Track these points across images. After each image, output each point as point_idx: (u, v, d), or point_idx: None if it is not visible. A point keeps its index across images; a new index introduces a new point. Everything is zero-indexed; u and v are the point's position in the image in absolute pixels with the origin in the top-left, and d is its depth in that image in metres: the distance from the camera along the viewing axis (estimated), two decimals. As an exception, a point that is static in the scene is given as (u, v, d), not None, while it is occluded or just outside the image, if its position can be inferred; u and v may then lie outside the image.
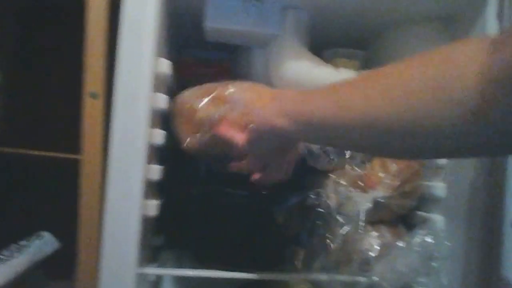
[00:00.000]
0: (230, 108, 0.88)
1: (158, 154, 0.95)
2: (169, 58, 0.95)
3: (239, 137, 0.81)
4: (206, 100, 0.90)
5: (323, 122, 0.64)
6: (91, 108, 0.97)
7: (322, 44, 1.09)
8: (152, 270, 0.96)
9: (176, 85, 1.08)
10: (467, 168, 0.94)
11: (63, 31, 1.35)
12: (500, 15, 0.91)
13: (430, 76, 0.53)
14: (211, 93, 0.91)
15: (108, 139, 0.85)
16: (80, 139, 0.99)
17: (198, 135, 0.90)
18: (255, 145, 0.78)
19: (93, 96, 0.97)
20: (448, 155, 0.79)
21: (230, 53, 1.20)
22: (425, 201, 1.07)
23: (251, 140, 0.78)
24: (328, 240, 0.95)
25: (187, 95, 0.94)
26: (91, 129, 0.98)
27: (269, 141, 0.76)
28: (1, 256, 1.03)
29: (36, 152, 1.10)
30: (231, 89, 0.90)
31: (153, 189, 0.94)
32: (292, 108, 0.69)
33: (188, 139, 0.92)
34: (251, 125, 0.76)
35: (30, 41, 1.43)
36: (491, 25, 0.92)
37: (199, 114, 0.90)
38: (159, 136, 0.92)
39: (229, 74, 1.19)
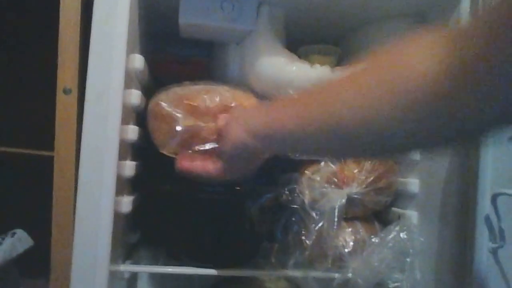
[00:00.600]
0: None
1: (132, 150, 0.95)
2: (144, 55, 0.94)
3: (210, 167, 0.83)
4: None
5: (286, 134, 0.66)
6: (64, 104, 0.96)
7: (297, 41, 1.09)
8: (126, 267, 0.95)
9: (151, 82, 1.08)
10: (441, 164, 0.94)
11: (36, 25, 1.34)
12: (474, 10, 0.91)
13: (383, 78, 0.55)
14: (189, 100, 0.91)
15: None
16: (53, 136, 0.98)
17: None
18: (227, 163, 0.81)
19: (66, 92, 0.95)
20: (406, 150, 0.81)
21: (206, 50, 1.20)
22: (400, 197, 1.07)
23: (224, 161, 0.81)
24: (302, 237, 0.95)
25: (164, 98, 0.93)
26: (64, 125, 0.97)
27: (240, 156, 0.78)
28: (-26, 254, 1.02)
29: (9, 149, 1.09)
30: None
31: (126, 185, 0.93)
32: (255, 125, 0.72)
33: (168, 144, 0.92)
34: (220, 148, 0.81)
35: (1, 35, 1.41)
36: (465, 20, 0.92)
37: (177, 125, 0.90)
38: (132, 132, 0.91)
39: (204, 72, 1.18)
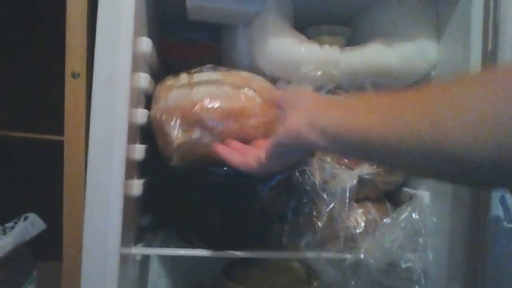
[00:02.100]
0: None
1: (141, 133, 0.95)
2: (152, 38, 0.93)
3: (251, 162, 0.77)
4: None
5: (365, 140, 0.58)
6: (73, 88, 0.96)
7: (306, 22, 1.08)
8: (137, 250, 0.95)
9: (160, 66, 1.07)
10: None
11: (45, 9, 1.34)
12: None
13: None
14: (188, 111, 0.87)
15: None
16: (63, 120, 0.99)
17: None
18: (272, 157, 0.74)
19: (74, 76, 0.95)
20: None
21: (215, 33, 1.19)
22: (411, 177, 1.06)
23: (269, 154, 0.74)
24: (313, 218, 0.95)
25: (163, 108, 0.90)
26: (73, 109, 0.97)
27: (289, 150, 0.72)
28: (-13, 238, 1.03)
29: (19, 134, 1.10)
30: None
31: (136, 168, 0.93)
32: (325, 121, 0.63)
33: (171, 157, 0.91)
34: (276, 137, 0.72)
35: (9, 19, 1.41)
36: (476, 1, 0.91)
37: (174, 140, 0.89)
38: (141, 115, 0.91)
39: (214, 55, 1.18)
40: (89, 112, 0.85)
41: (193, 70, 0.94)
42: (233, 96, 0.86)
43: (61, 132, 0.99)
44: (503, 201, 0.80)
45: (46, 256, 1.13)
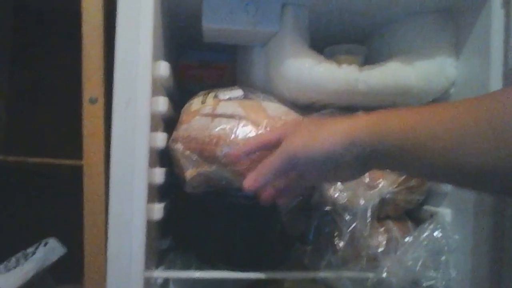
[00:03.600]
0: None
1: (160, 157, 0.95)
2: (168, 60, 0.94)
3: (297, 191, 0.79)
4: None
5: (417, 152, 0.57)
6: (91, 113, 0.97)
7: (322, 41, 1.07)
8: (160, 273, 0.95)
9: (176, 89, 1.08)
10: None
11: (62, 35, 1.34)
12: (506, 4, 0.89)
13: None
14: (203, 145, 0.88)
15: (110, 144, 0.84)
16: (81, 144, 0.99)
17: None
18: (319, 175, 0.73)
19: (92, 101, 0.96)
20: None
21: (230, 54, 1.19)
22: (432, 195, 1.06)
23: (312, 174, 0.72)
24: (335, 239, 0.94)
25: (180, 137, 0.91)
26: (92, 134, 0.98)
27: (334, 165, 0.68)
28: (9, 264, 1.03)
29: (39, 160, 1.10)
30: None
31: (157, 192, 0.93)
32: (387, 127, 0.61)
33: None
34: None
35: (27, 46, 1.42)
36: (496, 14, 0.90)
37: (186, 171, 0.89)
38: (160, 139, 0.91)
39: (229, 76, 1.18)
40: (108, 136, 0.86)
41: (220, 92, 0.95)
42: (252, 136, 0.86)
43: (79, 156, 0.99)
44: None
45: (66, 280, 1.13)
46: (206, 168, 0.88)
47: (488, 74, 0.90)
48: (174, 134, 0.92)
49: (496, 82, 0.89)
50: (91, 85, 0.96)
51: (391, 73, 0.98)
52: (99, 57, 0.96)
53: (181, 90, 1.13)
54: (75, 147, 1.01)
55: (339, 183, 0.96)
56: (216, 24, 0.96)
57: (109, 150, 0.84)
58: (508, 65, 0.88)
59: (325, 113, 0.97)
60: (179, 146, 0.89)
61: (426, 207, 1.07)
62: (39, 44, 1.43)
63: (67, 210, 1.13)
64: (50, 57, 1.42)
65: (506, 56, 0.88)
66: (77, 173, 1.00)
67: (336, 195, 0.94)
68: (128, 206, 0.84)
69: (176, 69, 1.07)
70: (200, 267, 0.97)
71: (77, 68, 0.97)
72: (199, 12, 0.95)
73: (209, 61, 1.18)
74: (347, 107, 1.03)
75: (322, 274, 0.95)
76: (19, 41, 1.41)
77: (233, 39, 1.04)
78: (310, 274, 0.97)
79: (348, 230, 0.93)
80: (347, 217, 0.93)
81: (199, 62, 1.18)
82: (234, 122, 0.88)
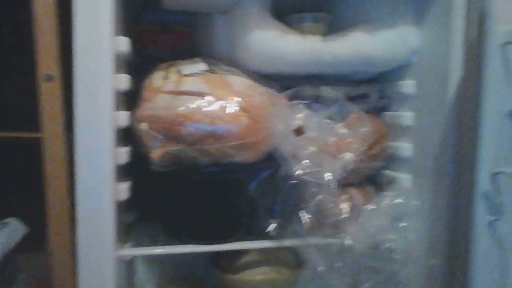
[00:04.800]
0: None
1: (124, 135, 0.92)
2: (125, 26, 0.90)
3: None
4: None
5: None
6: (48, 92, 0.93)
7: (283, 8, 1.04)
8: (132, 251, 0.96)
9: (134, 54, 1.03)
10: (435, 128, 0.95)
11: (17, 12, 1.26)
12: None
13: None
14: (169, 124, 0.86)
15: (69, 115, 0.82)
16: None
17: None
18: None
19: (48, 78, 0.91)
20: None
21: (190, 16, 1.14)
22: (392, 160, 1.09)
23: None
24: (301, 210, 0.96)
25: (145, 116, 0.88)
26: (50, 111, 0.95)
27: None
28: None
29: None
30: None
31: (122, 171, 0.92)
32: None
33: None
34: None
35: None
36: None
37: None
38: (123, 118, 0.89)
39: (190, 41, 1.14)
40: (66, 112, 0.83)
41: (182, 66, 0.92)
42: (219, 115, 0.85)
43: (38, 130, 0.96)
44: (485, 195, 0.83)
45: (30, 248, 1.12)
46: (173, 147, 0.87)
47: (449, 42, 0.91)
48: (138, 112, 0.89)
49: (456, 53, 0.90)
50: (46, 62, 0.91)
51: (355, 43, 0.98)
52: (52, 34, 0.90)
53: (139, 55, 1.08)
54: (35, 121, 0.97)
55: (304, 156, 0.97)
56: (177, -7, 0.91)
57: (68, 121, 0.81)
58: (469, 39, 0.88)
59: (290, 92, 0.96)
60: (144, 126, 0.87)
61: (386, 171, 1.11)
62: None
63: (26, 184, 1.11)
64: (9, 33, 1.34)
65: (467, 29, 0.89)
66: (35, 149, 0.97)
67: (302, 168, 0.95)
68: (96, 187, 0.83)
69: (133, 34, 1.02)
70: (167, 241, 0.98)
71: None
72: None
73: (168, 26, 1.13)
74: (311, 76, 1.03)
75: (288, 242, 0.97)
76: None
77: (194, 7, 1.00)
78: (276, 243, 0.99)
79: (314, 202, 0.94)
80: (313, 189, 0.94)
81: (158, 27, 1.13)
82: (199, 99, 0.86)
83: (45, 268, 1.05)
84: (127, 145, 0.92)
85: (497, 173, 0.80)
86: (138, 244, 0.98)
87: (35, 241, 1.08)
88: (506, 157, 0.83)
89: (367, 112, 1.08)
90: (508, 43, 0.78)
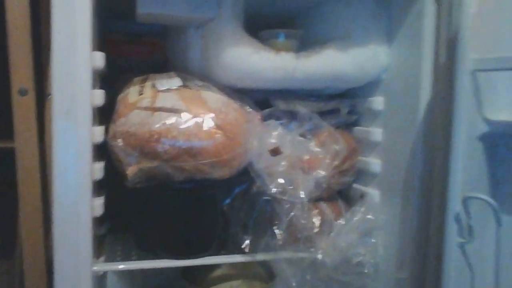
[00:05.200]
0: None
1: (99, 151, 0.92)
2: (97, 37, 0.90)
3: None
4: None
5: None
6: (21, 106, 0.92)
7: (254, 22, 1.04)
8: (109, 267, 0.96)
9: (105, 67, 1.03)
10: (404, 146, 0.97)
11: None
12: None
13: None
14: (144, 142, 0.85)
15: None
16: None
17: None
18: None
19: (22, 93, 0.91)
20: None
21: (160, 28, 1.14)
22: (362, 175, 1.11)
23: None
24: (274, 225, 0.97)
25: (119, 132, 0.87)
26: (23, 123, 0.94)
27: None
28: None
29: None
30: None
31: (97, 187, 0.92)
32: None
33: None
34: None
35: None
36: (429, 7, 0.92)
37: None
38: (99, 134, 0.88)
39: (160, 52, 1.14)
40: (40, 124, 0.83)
41: (157, 81, 0.93)
42: (194, 132, 0.85)
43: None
44: (457, 218, 0.85)
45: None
46: (148, 164, 0.87)
47: (419, 63, 0.93)
48: (113, 128, 0.89)
49: (426, 72, 0.92)
50: (20, 75, 0.90)
51: (327, 61, 1.00)
52: (27, 47, 0.90)
53: (109, 65, 1.08)
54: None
55: (278, 173, 0.98)
56: (152, 10, 0.91)
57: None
58: (439, 61, 0.91)
59: (265, 111, 0.98)
60: (119, 142, 0.87)
61: (356, 185, 1.13)
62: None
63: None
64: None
65: (436, 52, 0.91)
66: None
67: (275, 185, 0.97)
68: (73, 204, 0.84)
69: (103, 45, 1.02)
70: (140, 254, 0.98)
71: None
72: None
73: (138, 36, 1.13)
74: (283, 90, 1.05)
75: (260, 256, 0.98)
76: None
77: (168, 22, 1.01)
78: (249, 257, 1.00)
79: (287, 218, 0.96)
80: (286, 206, 0.96)
81: (128, 37, 1.12)
82: (175, 116, 0.86)
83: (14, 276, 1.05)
84: (101, 160, 0.92)
85: (467, 198, 0.83)
86: (112, 258, 0.98)
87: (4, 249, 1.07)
88: (476, 181, 0.86)
89: (337, 127, 1.10)
90: (477, 70, 0.81)
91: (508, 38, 0.84)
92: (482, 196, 0.82)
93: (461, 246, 0.85)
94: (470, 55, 0.80)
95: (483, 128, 0.84)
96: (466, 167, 0.83)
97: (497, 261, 0.87)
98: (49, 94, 0.94)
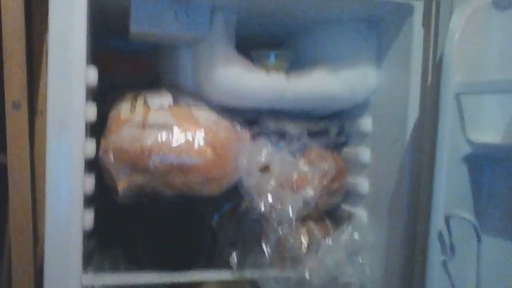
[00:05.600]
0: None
1: (90, 164, 0.93)
2: (91, 52, 0.91)
3: None
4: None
5: None
6: (15, 119, 0.93)
7: (245, 42, 1.06)
8: (99, 281, 0.95)
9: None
10: (392, 167, 0.99)
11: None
12: (426, 23, 0.94)
13: None
14: (134, 158, 0.87)
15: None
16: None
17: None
18: None
19: (16, 107, 0.91)
20: None
21: (154, 46, 1.16)
22: (349, 196, 1.13)
23: None
24: (262, 244, 0.98)
25: (111, 148, 0.89)
26: (16, 136, 0.94)
27: None
28: None
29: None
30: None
31: (88, 201, 0.92)
32: None
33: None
34: None
35: None
36: (417, 32, 0.95)
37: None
38: (91, 148, 0.89)
39: (151, 71, 1.15)
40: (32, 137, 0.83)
41: (149, 97, 0.94)
42: (185, 149, 0.87)
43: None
44: (439, 235, 0.86)
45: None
46: (139, 180, 0.88)
47: (407, 86, 0.96)
48: (104, 144, 0.90)
49: (414, 95, 0.95)
50: (14, 88, 0.91)
51: (317, 82, 1.02)
52: (21, 60, 0.91)
53: (101, 80, 1.09)
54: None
55: (267, 192, 0.99)
56: (145, 29, 0.93)
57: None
58: (427, 84, 0.93)
59: (257, 130, 0.99)
60: (110, 158, 0.88)
61: (344, 206, 1.14)
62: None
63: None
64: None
65: (424, 75, 0.94)
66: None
67: (263, 203, 0.97)
68: (64, 218, 0.84)
69: (96, 61, 1.03)
70: (128, 268, 0.98)
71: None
72: (125, 7, 0.92)
73: (131, 54, 1.14)
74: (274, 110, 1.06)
75: (248, 274, 0.99)
76: None
77: (161, 41, 1.02)
78: (237, 274, 1.01)
79: (275, 237, 0.96)
80: (275, 224, 0.96)
81: (120, 55, 1.14)
82: (166, 133, 0.88)
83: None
84: (92, 174, 0.93)
85: (449, 216, 0.84)
86: (100, 270, 0.98)
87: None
88: (458, 201, 0.87)
89: (326, 148, 1.11)
90: (462, 93, 0.83)
91: (492, 60, 0.87)
92: (463, 215, 0.84)
93: (444, 264, 0.86)
94: (455, 78, 0.82)
95: (467, 149, 0.86)
96: (450, 187, 0.84)
97: (478, 279, 0.88)
98: (41, 111, 0.96)
